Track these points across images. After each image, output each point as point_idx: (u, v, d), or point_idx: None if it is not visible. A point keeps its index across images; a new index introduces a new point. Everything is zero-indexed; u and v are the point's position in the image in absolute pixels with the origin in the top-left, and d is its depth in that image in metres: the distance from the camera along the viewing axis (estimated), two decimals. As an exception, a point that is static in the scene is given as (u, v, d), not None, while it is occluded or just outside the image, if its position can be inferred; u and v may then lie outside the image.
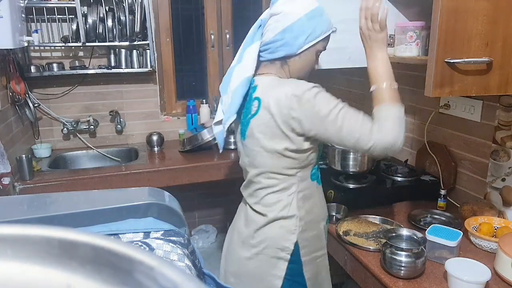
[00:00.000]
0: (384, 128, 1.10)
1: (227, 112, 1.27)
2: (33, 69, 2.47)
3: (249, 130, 1.25)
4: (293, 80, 1.20)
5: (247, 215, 1.33)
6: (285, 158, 1.21)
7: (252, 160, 1.27)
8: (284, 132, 1.17)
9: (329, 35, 1.24)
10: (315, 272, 1.34)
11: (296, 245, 1.26)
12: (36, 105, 2.59)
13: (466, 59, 1.07)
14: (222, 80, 1.37)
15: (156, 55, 2.75)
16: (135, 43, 2.57)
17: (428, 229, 1.40)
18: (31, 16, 2.44)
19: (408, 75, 2.07)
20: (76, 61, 2.62)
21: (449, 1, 1.05)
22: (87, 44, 2.48)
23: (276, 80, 1.23)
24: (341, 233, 1.55)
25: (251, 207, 1.32)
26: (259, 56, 1.26)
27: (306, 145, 1.19)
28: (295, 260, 1.27)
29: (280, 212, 1.25)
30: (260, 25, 1.25)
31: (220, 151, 1.39)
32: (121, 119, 2.79)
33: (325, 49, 1.27)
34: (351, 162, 1.85)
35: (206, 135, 2.59)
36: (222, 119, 1.33)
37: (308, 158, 1.23)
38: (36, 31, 2.39)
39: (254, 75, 1.27)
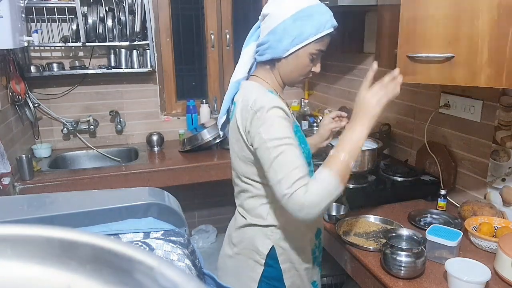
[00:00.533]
0: (311, 187, 1.02)
1: (220, 113, 1.31)
2: (33, 69, 2.47)
3: (229, 133, 1.27)
4: (261, 92, 1.15)
5: (235, 214, 1.37)
6: (253, 166, 1.18)
7: (232, 161, 1.28)
8: (244, 141, 1.15)
9: (325, 36, 1.13)
10: (299, 283, 1.27)
11: (273, 250, 1.22)
12: (36, 105, 2.59)
13: (426, 54, 1.29)
14: None
15: (156, 55, 2.75)
16: (135, 43, 2.57)
17: (428, 229, 1.40)
18: (31, 16, 2.44)
19: (408, 75, 2.07)
20: (76, 61, 2.62)
21: (409, 11, 1.32)
22: (87, 44, 2.48)
23: (253, 87, 1.19)
24: (341, 233, 1.54)
25: (236, 207, 1.36)
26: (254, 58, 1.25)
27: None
28: (272, 265, 1.23)
29: (256, 219, 1.23)
30: (257, 25, 1.23)
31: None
32: (121, 119, 2.79)
33: (323, 51, 1.17)
34: (351, 162, 1.84)
35: (206, 135, 2.59)
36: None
37: None
38: (36, 31, 2.39)
39: (248, 77, 1.27)
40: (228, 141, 1.28)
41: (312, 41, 1.12)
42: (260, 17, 1.20)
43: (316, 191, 1.02)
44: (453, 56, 1.20)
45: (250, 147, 1.13)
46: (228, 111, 1.28)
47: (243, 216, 1.29)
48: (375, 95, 1.10)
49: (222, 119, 1.29)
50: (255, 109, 1.09)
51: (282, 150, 1.05)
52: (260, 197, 1.22)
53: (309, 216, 1.03)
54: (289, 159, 1.05)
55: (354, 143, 1.09)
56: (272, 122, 1.07)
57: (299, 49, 1.13)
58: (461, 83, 1.22)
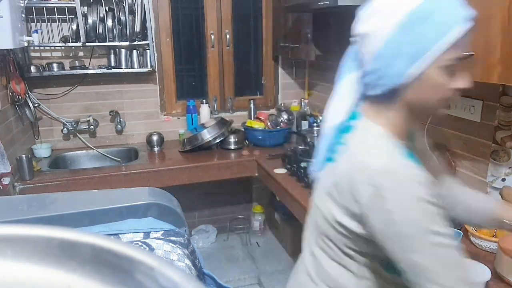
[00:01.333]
0: None
1: (316, 159, 0.96)
2: (33, 69, 2.47)
3: (322, 175, 0.94)
4: (389, 149, 0.82)
5: (299, 275, 1.04)
6: (339, 234, 0.89)
7: (318, 198, 0.96)
8: (342, 208, 0.85)
9: (459, 37, 0.78)
10: None
11: None
12: (36, 105, 2.59)
13: None
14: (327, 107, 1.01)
15: (156, 55, 2.75)
16: (135, 43, 2.57)
17: (428, 229, 1.40)
18: (31, 16, 2.44)
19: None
20: (76, 61, 2.62)
21: None
22: (87, 44, 2.48)
23: (375, 133, 0.86)
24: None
25: (306, 267, 1.02)
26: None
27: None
28: None
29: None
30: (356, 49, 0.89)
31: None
32: (121, 119, 2.79)
33: (467, 57, 0.86)
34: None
35: (206, 135, 2.59)
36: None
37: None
38: (36, 31, 2.39)
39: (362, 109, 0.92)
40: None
41: (440, 51, 0.78)
42: (355, 38, 0.89)
43: None
44: (473, 54, 1.27)
45: (363, 226, 0.82)
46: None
47: (314, 281, 0.96)
48: None
49: (314, 172, 0.96)
50: (383, 182, 0.76)
51: (429, 255, 0.75)
52: (343, 267, 0.91)
53: None
54: (446, 271, 0.75)
55: None
56: (414, 209, 0.75)
57: (425, 68, 0.79)
58: (477, 79, 1.28)
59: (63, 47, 2.62)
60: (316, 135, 2.49)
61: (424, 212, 0.75)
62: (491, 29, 1.22)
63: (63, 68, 2.59)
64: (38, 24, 2.50)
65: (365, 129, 0.87)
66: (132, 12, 2.51)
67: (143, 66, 2.69)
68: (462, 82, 0.85)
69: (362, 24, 0.86)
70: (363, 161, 0.80)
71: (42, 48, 2.62)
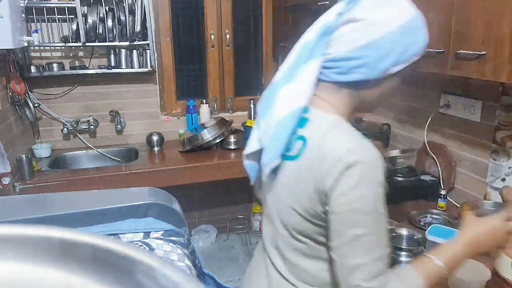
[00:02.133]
0: (392, 285, 0.83)
1: (271, 150, 0.91)
2: (33, 69, 2.47)
3: (282, 173, 0.93)
4: (355, 137, 0.85)
5: (273, 281, 1.01)
6: (319, 226, 0.89)
7: (278, 209, 0.96)
8: (319, 197, 0.85)
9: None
10: None
11: None
12: (36, 105, 2.59)
13: (467, 51, 1.36)
14: (261, 98, 0.99)
15: (156, 55, 2.75)
16: (135, 43, 2.57)
17: (428, 229, 1.40)
18: (31, 16, 2.44)
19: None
20: (76, 61, 2.62)
21: (460, 15, 1.40)
22: (87, 44, 2.48)
23: (334, 123, 0.88)
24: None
25: (276, 269, 1.00)
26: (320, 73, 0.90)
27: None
28: None
29: None
30: (325, 32, 0.87)
31: (253, 182, 1.05)
32: (121, 119, 2.79)
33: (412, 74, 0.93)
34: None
35: (206, 135, 2.59)
36: (255, 151, 0.98)
37: None
38: (36, 31, 2.39)
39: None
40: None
41: (413, 61, 0.88)
42: (333, 19, 0.87)
43: None
44: (485, 54, 1.29)
45: (326, 207, 0.84)
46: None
47: (295, 286, 0.96)
48: (498, 239, 0.97)
49: (276, 161, 0.89)
50: (348, 162, 0.79)
51: (371, 229, 0.81)
52: (320, 260, 0.92)
53: None
54: (377, 243, 0.82)
55: (456, 264, 0.93)
56: (371, 189, 0.80)
57: (398, 71, 0.87)
58: (488, 78, 1.30)
59: (63, 47, 2.62)
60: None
61: (380, 193, 0.81)
62: (501, 29, 1.23)
63: (63, 68, 2.59)
64: (38, 24, 2.50)
65: (320, 121, 0.88)
66: (132, 12, 2.51)
67: (143, 66, 2.69)
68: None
69: (362, 11, 0.85)
70: (330, 149, 0.82)
71: (42, 48, 2.61)
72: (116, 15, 2.51)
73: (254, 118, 2.88)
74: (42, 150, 2.57)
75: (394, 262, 1.26)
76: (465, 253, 0.94)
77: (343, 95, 0.90)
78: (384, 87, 0.90)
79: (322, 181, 0.82)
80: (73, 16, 2.45)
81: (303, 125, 0.89)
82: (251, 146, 0.98)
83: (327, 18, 0.88)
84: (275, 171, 0.93)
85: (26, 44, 2.20)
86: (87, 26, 2.46)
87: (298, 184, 0.88)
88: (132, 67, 2.68)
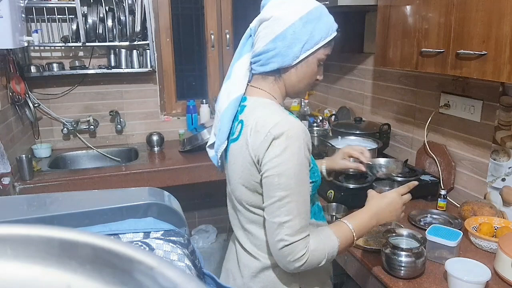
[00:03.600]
0: (315, 245, 0.97)
1: (218, 137, 1.11)
2: (33, 69, 2.47)
3: (230, 155, 1.09)
4: (282, 114, 1.00)
5: (237, 254, 1.18)
6: (259, 194, 1.03)
7: (232, 188, 1.12)
8: (257, 169, 1.00)
9: (332, 40, 1.07)
10: None
11: None
12: (36, 105, 2.59)
13: (468, 51, 1.37)
14: (217, 99, 1.17)
15: (156, 55, 2.75)
16: (135, 43, 2.57)
17: (428, 229, 1.40)
18: (31, 16, 2.44)
19: (408, 74, 2.07)
20: (76, 61, 2.62)
21: (459, 13, 1.40)
22: (87, 44, 2.48)
23: (264, 104, 1.05)
24: (341, 233, 1.54)
25: (237, 243, 1.18)
26: (251, 69, 1.11)
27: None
28: None
29: (270, 258, 1.07)
30: (250, 35, 1.09)
31: (220, 170, 1.24)
32: (121, 119, 2.79)
33: (328, 56, 1.10)
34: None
35: (206, 135, 2.59)
36: (214, 143, 1.16)
37: None
38: (36, 31, 2.39)
39: (246, 91, 1.11)
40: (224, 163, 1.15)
41: (322, 46, 1.04)
42: (255, 23, 1.08)
43: (318, 252, 0.97)
44: (486, 54, 1.29)
45: (260, 174, 0.99)
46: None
47: (254, 257, 1.10)
48: (396, 209, 1.14)
49: (223, 145, 1.09)
50: (275, 134, 0.94)
51: (294, 191, 0.95)
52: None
53: (294, 270, 0.98)
54: (299, 203, 0.96)
55: (364, 229, 1.08)
56: (294, 156, 0.94)
57: (309, 55, 1.03)
58: (489, 77, 1.30)
59: (63, 47, 2.62)
60: (316, 134, 2.48)
61: (302, 159, 0.96)
62: (502, 29, 1.23)
63: (63, 68, 2.59)
64: (38, 24, 2.50)
65: (255, 105, 1.06)
66: (132, 12, 2.51)
67: (143, 66, 2.69)
68: (321, 75, 1.13)
69: (268, 11, 1.04)
70: (262, 124, 0.98)
71: (42, 48, 2.62)
72: (116, 15, 2.51)
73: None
74: (42, 150, 2.57)
75: (394, 262, 1.27)
76: (372, 222, 1.09)
77: (270, 82, 1.08)
78: (302, 71, 1.06)
79: (256, 152, 0.98)
80: (73, 16, 2.45)
81: (242, 111, 1.07)
82: (210, 139, 1.19)
83: (252, 23, 1.10)
84: (226, 156, 1.12)
85: (26, 44, 2.20)
86: (87, 26, 2.46)
87: (241, 161, 1.03)
88: (132, 67, 2.68)
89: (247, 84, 1.11)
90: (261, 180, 0.99)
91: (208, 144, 1.22)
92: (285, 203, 0.94)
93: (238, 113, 1.07)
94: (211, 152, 1.21)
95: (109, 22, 2.51)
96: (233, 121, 1.08)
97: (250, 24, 1.10)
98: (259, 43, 1.04)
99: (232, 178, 1.09)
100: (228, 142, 1.09)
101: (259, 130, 0.97)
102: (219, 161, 1.17)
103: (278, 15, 1.01)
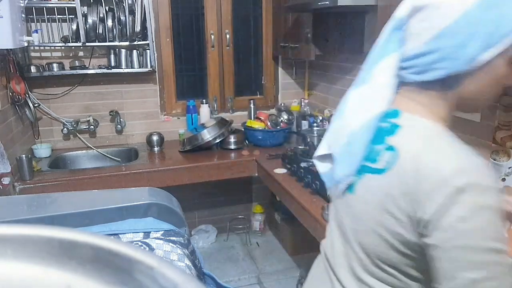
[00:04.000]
0: None
1: (342, 164, 0.80)
2: (33, 69, 2.47)
3: (361, 187, 0.78)
4: (463, 151, 0.69)
5: None
6: (409, 258, 0.74)
7: (355, 230, 0.81)
8: (410, 222, 0.70)
9: None
10: None
11: None
12: (36, 105, 2.59)
13: None
14: (342, 106, 0.87)
15: (156, 55, 2.75)
16: (135, 43, 2.57)
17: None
18: (31, 16, 2.44)
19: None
20: (76, 61, 2.62)
21: None
22: (87, 44, 2.48)
23: (432, 131, 0.73)
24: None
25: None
26: (400, 75, 0.78)
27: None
28: None
29: None
30: (396, 27, 0.77)
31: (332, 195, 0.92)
32: (121, 119, 2.79)
33: None
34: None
35: (206, 135, 2.59)
36: (325, 154, 0.89)
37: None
38: (36, 31, 2.39)
39: (395, 102, 0.79)
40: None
41: None
42: (404, 11, 0.75)
43: None
44: None
45: (424, 238, 0.68)
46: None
47: None
48: None
49: (349, 177, 0.80)
50: (459, 185, 0.64)
51: (493, 273, 0.64)
52: None
53: None
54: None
55: None
56: (488, 219, 0.64)
57: (495, 56, 0.69)
58: None
59: (63, 47, 2.62)
60: (316, 134, 2.48)
61: (496, 225, 0.65)
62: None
63: (63, 68, 2.59)
64: (38, 24, 2.50)
65: (417, 128, 0.74)
66: (132, 12, 2.51)
67: (143, 66, 2.69)
68: None
69: None
70: (431, 165, 0.67)
71: (42, 48, 2.62)
72: (116, 15, 2.51)
73: (254, 118, 2.89)
74: (42, 150, 2.57)
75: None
76: None
77: (432, 96, 0.75)
78: (485, 77, 0.71)
79: (420, 206, 0.67)
80: (73, 16, 2.45)
81: (393, 133, 0.74)
82: (321, 148, 0.90)
83: (399, 11, 0.76)
84: (351, 186, 0.81)
85: (26, 44, 2.20)
86: (87, 26, 2.46)
87: (385, 204, 0.72)
88: (132, 67, 2.68)
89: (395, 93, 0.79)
90: (420, 246, 0.70)
91: (316, 154, 0.91)
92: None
93: (386, 133, 0.75)
94: (322, 166, 0.90)
95: (109, 22, 2.51)
96: (373, 142, 0.77)
97: (397, 11, 0.76)
98: (413, 42, 0.73)
99: (362, 219, 0.78)
100: (360, 168, 0.78)
101: (428, 174, 0.66)
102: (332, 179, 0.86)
103: (438, 2, 0.70)
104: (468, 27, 0.68)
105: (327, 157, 0.88)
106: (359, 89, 0.81)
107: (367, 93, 0.79)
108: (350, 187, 0.81)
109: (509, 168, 1.58)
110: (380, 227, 0.74)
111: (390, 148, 0.73)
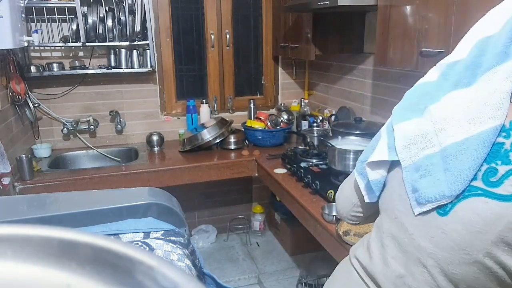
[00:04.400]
0: None
1: (439, 181, 0.67)
2: (33, 69, 2.47)
3: (462, 210, 0.65)
4: None
5: None
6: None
7: (439, 259, 0.69)
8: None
9: None
10: None
11: None
12: (36, 105, 2.59)
13: None
14: (404, 99, 0.79)
15: (156, 55, 2.75)
16: (135, 43, 2.57)
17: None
18: (31, 16, 2.44)
19: (408, 74, 2.07)
20: (76, 61, 2.62)
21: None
22: (87, 44, 2.48)
23: None
24: (341, 233, 1.55)
25: None
26: None
27: None
28: None
29: None
30: None
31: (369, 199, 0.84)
32: (121, 119, 2.79)
33: None
34: (351, 162, 1.84)
35: (206, 135, 2.59)
36: (382, 161, 0.79)
37: None
38: (36, 31, 2.39)
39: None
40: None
41: None
42: None
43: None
44: None
45: None
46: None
47: None
48: None
49: (445, 199, 0.67)
50: None
51: None
52: None
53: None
54: None
55: None
56: None
57: None
58: None
59: (63, 47, 2.62)
60: (316, 134, 2.48)
61: None
62: None
63: (63, 68, 2.59)
64: (38, 24, 2.50)
65: None
66: (132, 12, 2.51)
67: (143, 66, 2.69)
68: None
69: None
70: None
71: (42, 48, 2.62)
72: (116, 15, 2.51)
73: (254, 118, 2.89)
74: (42, 150, 2.57)
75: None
76: None
77: None
78: None
79: None
80: (73, 16, 2.45)
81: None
82: (378, 154, 0.79)
83: (508, 15, 0.65)
84: (447, 208, 0.68)
85: (26, 44, 2.20)
86: (87, 26, 2.46)
87: (500, 232, 0.61)
88: (132, 67, 2.68)
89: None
90: None
91: (372, 159, 0.80)
92: None
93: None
94: (374, 174, 0.80)
95: (109, 22, 2.51)
96: (487, 161, 0.64)
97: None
98: None
99: (457, 246, 0.66)
100: (466, 189, 0.65)
101: None
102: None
103: None
104: None
105: (383, 164, 0.79)
106: (459, 92, 0.68)
107: (473, 97, 0.66)
108: (443, 208, 0.68)
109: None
110: (489, 258, 0.64)
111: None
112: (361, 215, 0.93)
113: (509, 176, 0.61)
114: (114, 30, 2.54)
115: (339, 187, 0.98)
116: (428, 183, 0.68)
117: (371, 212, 0.91)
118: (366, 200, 0.84)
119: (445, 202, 0.66)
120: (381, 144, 0.79)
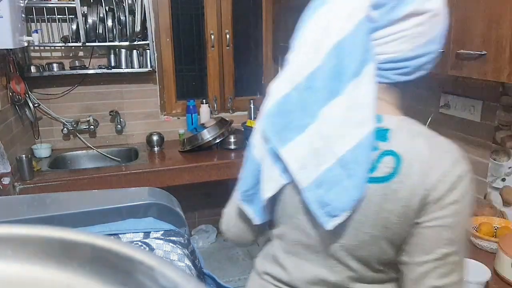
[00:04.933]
0: None
1: (340, 191, 0.70)
2: (33, 69, 2.47)
3: (366, 200, 0.70)
4: (451, 144, 0.74)
5: None
6: (397, 247, 0.75)
7: (350, 249, 0.75)
8: (414, 213, 0.70)
9: None
10: None
11: None
12: (36, 105, 2.59)
13: (468, 51, 1.36)
14: (269, 116, 0.77)
15: (156, 55, 2.75)
16: (135, 43, 2.57)
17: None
18: (31, 16, 2.43)
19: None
20: (76, 61, 2.62)
21: (459, 13, 1.39)
22: (87, 44, 2.48)
23: (420, 129, 0.74)
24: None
25: None
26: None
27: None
28: None
29: None
30: (371, 30, 0.71)
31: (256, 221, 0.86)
32: (121, 119, 2.79)
33: None
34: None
35: (206, 135, 2.59)
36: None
37: None
38: (36, 31, 2.39)
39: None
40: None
41: None
42: (379, 14, 0.70)
43: None
44: (485, 54, 1.29)
45: (416, 219, 0.70)
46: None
47: None
48: None
49: (344, 213, 0.70)
50: (457, 174, 0.71)
51: (460, 248, 0.72)
52: (389, 282, 0.79)
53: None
54: (461, 267, 0.73)
55: None
56: (469, 204, 0.74)
57: None
58: (489, 78, 1.31)
59: (63, 47, 2.62)
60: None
61: (472, 207, 0.76)
62: (501, 29, 1.23)
63: (63, 68, 2.59)
64: (38, 24, 2.50)
65: (405, 127, 0.73)
66: (132, 12, 2.51)
67: (143, 66, 2.69)
68: None
69: (426, 1, 0.72)
70: (435, 160, 0.69)
71: (42, 48, 2.62)
72: (116, 15, 2.51)
73: (254, 118, 2.88)
74: (42, 150, 2.57)
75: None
76: None
77: (396, 94, 0.78)
78: None
79: (424, 195, 0.69)
80: (73, 16, 2.45)
81: (385, 138, 0.71)
82: (271, 186, 0.77)
83: (361, 14, 0.69)
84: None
85: (26, 44, 2.20)
86: (87, 26, 2.46)
87: (386, 207, 0.70)
88: (132, 67, 2.68)
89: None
90: (408, 228, 0.72)
91: (268, 195, 0.78)
92: (446, 263, 0.70)
93: (377, 138, 0.71)
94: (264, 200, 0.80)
95: (109, 22, 2.51)
96: None
97: (356, 14, 0.70)
98: (404, 45, 0.71)
99: (363, 232, 0.72)
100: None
101: (432, 168, 0.69)
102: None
103: (437, 9, 0.74)
104: (443, 33, 0.77)
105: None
106: (334, 102, 0.70)
107: (350, 104, 0.70)
108: None
109: (509, 168, 1.58)
110: (389, 232, 0.72)
111: (390, 153, 0.70)
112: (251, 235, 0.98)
113: (381, 160, 0.70)
114: (114, 30, 2.54)
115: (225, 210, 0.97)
116: (337, 194, 0.70)
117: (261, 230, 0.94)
118: (256, 222, 0.84)
119: (364, 191, 0.70)
120: (268, 173, 0.77)
